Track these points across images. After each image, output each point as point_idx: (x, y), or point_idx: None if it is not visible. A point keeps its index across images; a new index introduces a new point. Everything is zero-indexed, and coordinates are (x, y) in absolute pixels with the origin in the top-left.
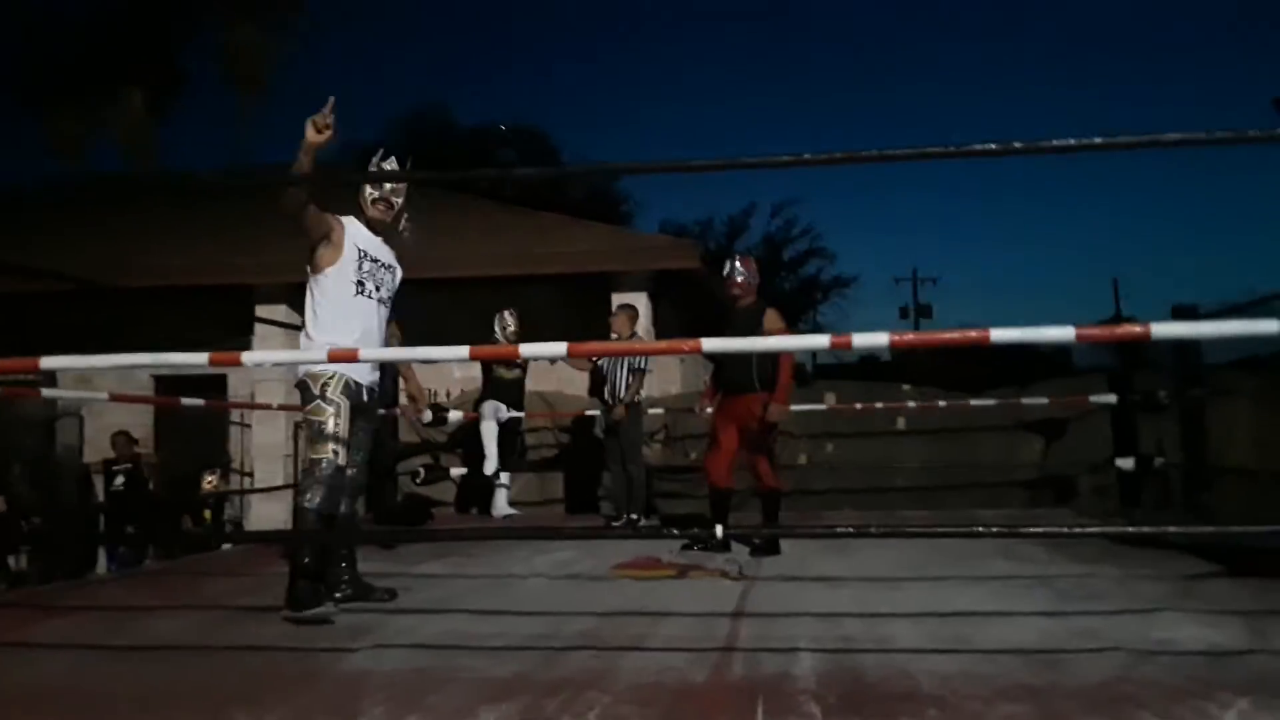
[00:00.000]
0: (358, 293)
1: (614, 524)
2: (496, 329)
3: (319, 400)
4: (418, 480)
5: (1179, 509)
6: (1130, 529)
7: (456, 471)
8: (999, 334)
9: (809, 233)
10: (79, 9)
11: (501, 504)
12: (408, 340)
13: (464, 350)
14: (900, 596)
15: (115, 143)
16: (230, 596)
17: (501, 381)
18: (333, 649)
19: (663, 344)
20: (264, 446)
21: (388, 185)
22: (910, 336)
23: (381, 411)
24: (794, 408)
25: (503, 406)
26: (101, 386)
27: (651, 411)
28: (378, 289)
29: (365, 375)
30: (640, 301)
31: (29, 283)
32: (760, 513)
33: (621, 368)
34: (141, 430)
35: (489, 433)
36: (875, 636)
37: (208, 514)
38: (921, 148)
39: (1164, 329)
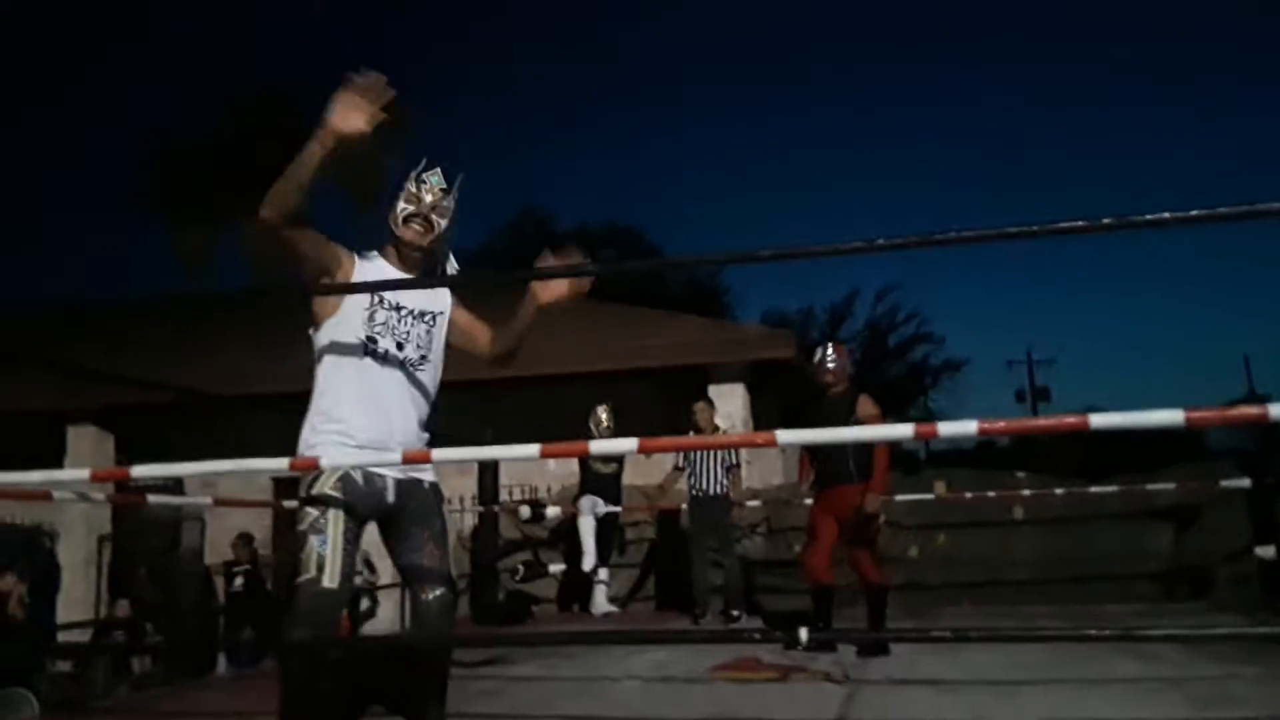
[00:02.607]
0: (367, 353)
1: (700, 620)
2: (591, 425)
3: (301, 503)
4: (516, 578)
5: None
6: (1269, 629)
7: (555, 568)
8: (1100, 420)
9: (915, 317)
10: (208, 123)
11: (601, 601)
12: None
13: (534, 449)
14: (1018, 703)
15: (238, 253)
16: None
17: (599, 476)
18: None
19: (737, 437)
20: (376, 544)
21: (428, 197)
22: (1001, 424)
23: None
24: (902, 497)
25: (600, 501)
26: (225, 491)
27: (751, 504)
28: (401, 346)
29: (377, 462)
30: (737, 393)
31: (155, 394)
32: (865, 611)
33: (710, 460)
34: (261, 531)
35: (586, 528)
36: None
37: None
38: (1022, 227)
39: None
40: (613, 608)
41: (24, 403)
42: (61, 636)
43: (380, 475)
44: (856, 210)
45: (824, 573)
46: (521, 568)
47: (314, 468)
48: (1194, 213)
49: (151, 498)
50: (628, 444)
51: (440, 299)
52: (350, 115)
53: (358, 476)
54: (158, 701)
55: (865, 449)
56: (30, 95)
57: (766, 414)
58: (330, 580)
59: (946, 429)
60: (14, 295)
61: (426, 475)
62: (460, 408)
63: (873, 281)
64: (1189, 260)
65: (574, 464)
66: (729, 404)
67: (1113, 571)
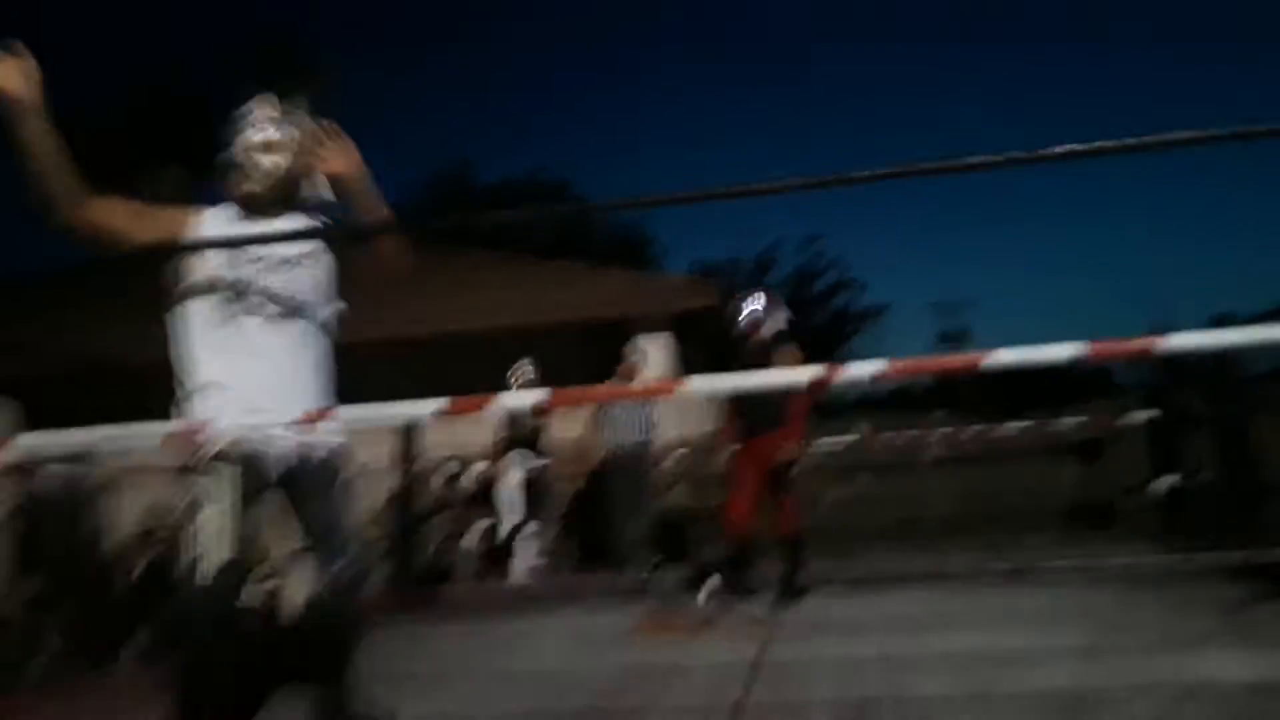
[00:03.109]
0: (237, 314)
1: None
2: (510, 379)
3: (193, 473)
4: (441, 537)
5: (1223, 531)
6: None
7: (478, 525)
8: (997, 356)
9: (838, 264)
10: (124, 94)
11: (529, 556)
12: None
13: (441, 402)
14: (927, 640)
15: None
16: None
17: (525, 431)
18: None
19: (641, 387)
20: None
21: (257, 137)
22: (901, 365)
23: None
24: (825, 440)
25: (530, 454)
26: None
27: (678, 452)
28: (274, 299)
29: (253, 422)
30: (662, 343)
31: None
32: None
33: (630, 412)
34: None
35: (514, 484)
36: (897, 690)
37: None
38: (923, 162)
39: (1179, 340)
40: (540, 561)
41: None
42: None
43: (270, 439)
44: (778, 160)
45: (745, 523)
46: (446, 528)
47: (196, 435)
48: (1097, 144)
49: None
50: (541, 394)
51: (287, 245)
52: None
53: (252, 440)
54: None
55: (787, 399)
56: None
57: (693, 364)
58: (220, 554)
59: (850, 372)
60: None
61: (325, 438)
62: (379, 368)
63: (797, 230)
64: (1114, 193)
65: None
66: (655, 355)
67: (1022, 507)
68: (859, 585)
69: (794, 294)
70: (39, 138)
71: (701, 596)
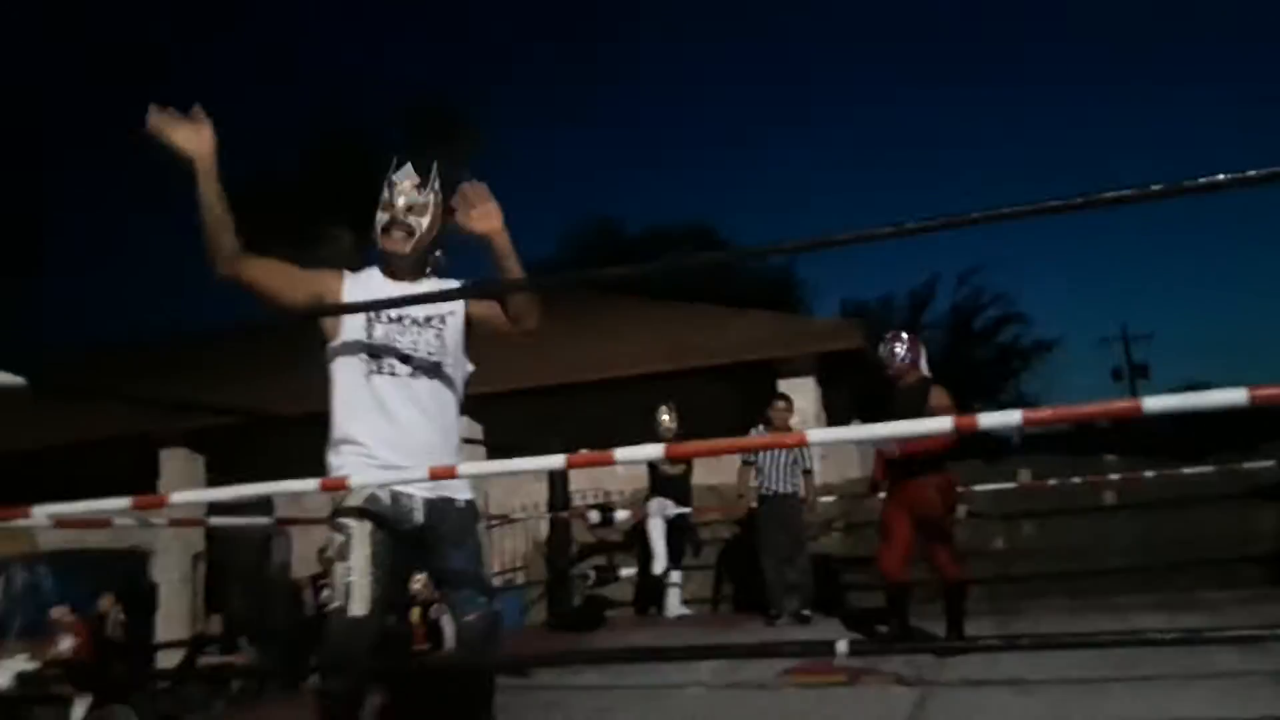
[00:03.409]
0: (373, 370)
1: (776, 621)
2: (657, 425)
3: (329, 527)
4: (589, 583)
5: None
6: None
7: (627, 572)
8: (1154, 403)
9: (1001, 298)
10: (289, 158)
11: (674, 604)
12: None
13: (559, 460)
14: (1103, 703)
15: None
16: None
17: (666, 478)
18: None
19: (768, 438)
20: None
21: (400, 200)
22: (1046, 413)
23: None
24: (983, 487)
25: (669, 503)
26: (311, 508)
27: (826, 499)
28: (408, 359)
29: (399, 481)
30: (808, 387)
31: (235, 417)
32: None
33: (779, 458)
34: None
35: (656, 531)
36: None
37: (416, 615)
38: (1079, 197)
39: None
40: (686, 610)
41: (118, 428)
42: (160, 654)
43: (408, 494)
44: (926, 199)
45: (899, 570)
46: (593, 573)
47: (341, 488)
48: (1251, 173)
49: (222, 520)
50: (654, 450)
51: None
52: (181, 137)
53: (384, 496)
54: (249, 714)
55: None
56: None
57: (839, 407)
58: (358, 608)
59: (989, 420)
60: (110, 329)
61: (460, 493)
62: (529, 415)
63: (954, 265)
64: None
65: (644, 466)
66: (800, 398)
67: (1214, 556)
68: (1025, 641)
69: (953, 331)
70: (212, 198)
71: (842, 646)
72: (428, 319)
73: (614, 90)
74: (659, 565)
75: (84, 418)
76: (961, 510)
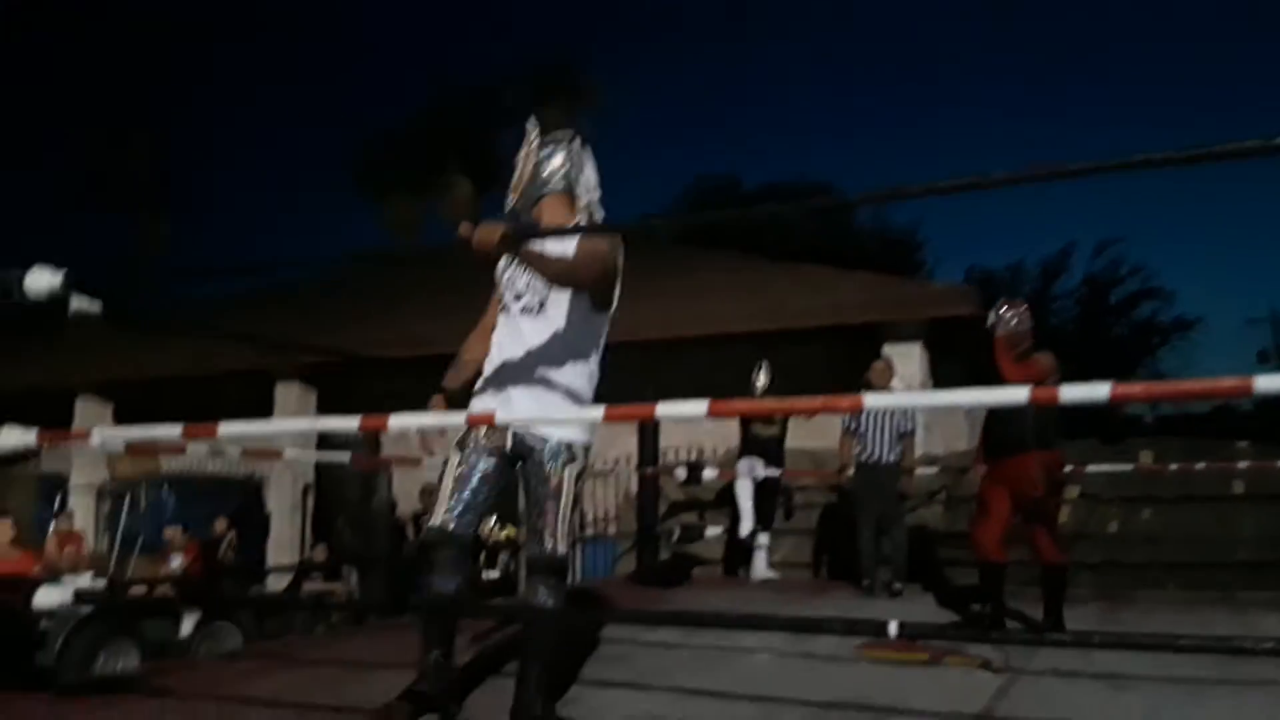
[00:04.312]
0: (501, 308)
1: (868, 592)
2: (751, 385)
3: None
4: (673, 540)
5: None
6: None
7: (712, 531)
8: (1267, 382)
9: (1139, 271)
10: (416, 103)
11: (760, 567)
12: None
13: (598, 411)
14: (1204, 708)
15: (446, 226)
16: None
17: (758, 438)
18: None
19: (817, 401)
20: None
21: (521, 152)
22: (1138, 389)
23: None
24: (1097, 468)
25: (759, 464)
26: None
27: (926, 470)
28: (519, 297)
29: (490, 406)
30: (914, 353)
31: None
32: (1041, 592)
33: (881, 425)
34: None
35: (744, 492)
36: None
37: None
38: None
39: None
40: (773, 574)
41: (241, 363)
42: (268, 578)
43: (502, 426)
44: (1058, 152)
45: (995, 549)
46: (678, 530)
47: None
48: None
49: (306, 453)
50: (697, 406)
51: (549, 245)
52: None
53: (479, 427)
54: (347, 640)
55: (1046, 415)
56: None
57: (950, 376)
58: (435, 518)
59: (1071, 393)
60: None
61: (552, 431)
62: (628, 367)
63: (1092, 235)
64: None
65: (737, 425)
66: (906, 365)
67: None
68: (1128, 635)
69: (1087, 303)
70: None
71: (893, 628)
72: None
73: (735, 47)
74: (745, 527)
75: (211, 352)
76: (1073, 491)
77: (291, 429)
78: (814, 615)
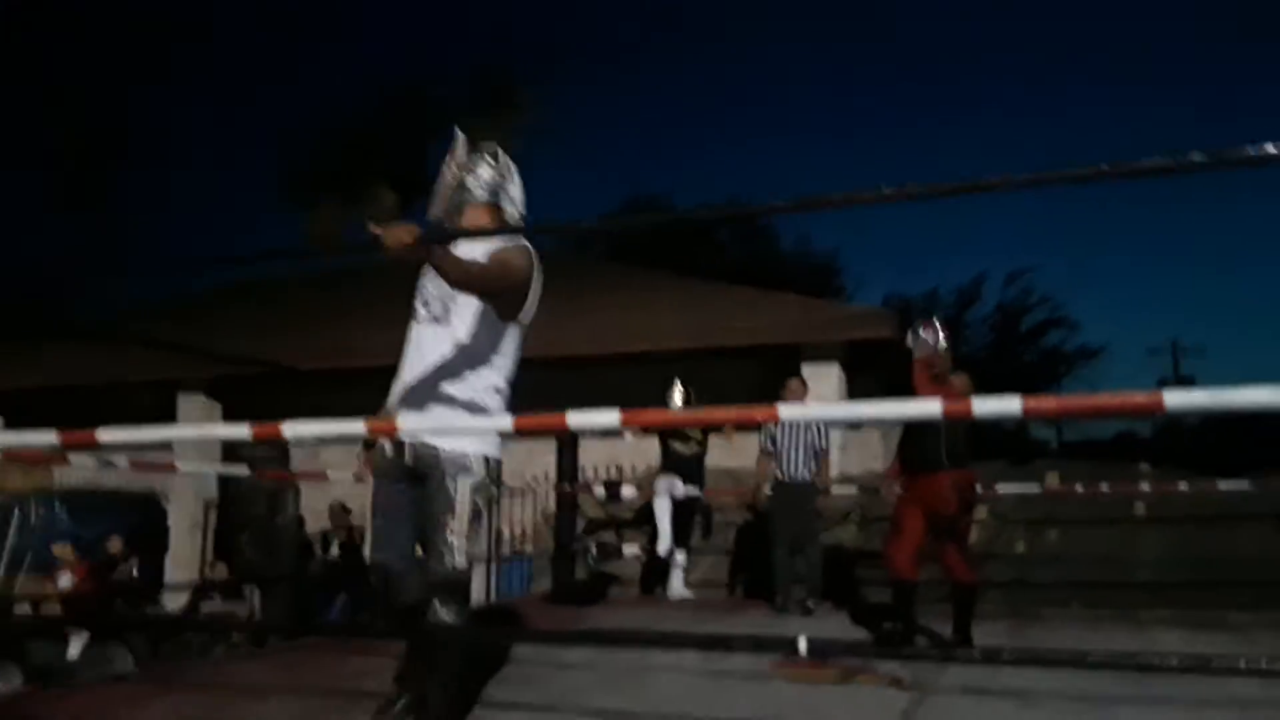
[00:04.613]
0: (411, 323)
1: (780, 611)
2: (668, 402)
3: None
4: (590, 558)
5: None
6: None
7: (630, 549)
8: (1177, 398)
9: (1048, 301)
10: (339, 115)
11: (676, 585)
12: None
13: (506, 420)
14: None
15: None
16: (359, 678)
17: (678, 456)
18: None
19: (731, 412)
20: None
21: (444, 167)
22: (1051, 403)
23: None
24: (1007, 488)
25: (678, 482)
26: (327, 460)
27: (842, 490)
28: (426, 304)
29: (394, 415)
30: (832, 374)
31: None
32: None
33: (797, 444)
34: (358, 501)
35: (662, 510)
36: None
37: None
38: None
39: None
40: (689, 593)
41: (144, 374)
42: (166, 598)
43: (400, 441)
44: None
45: (908, 567)
46: (594, 548)
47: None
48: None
49: (215, 467)
50: (609, 416)
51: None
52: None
53: (385, 443)
54: (243, 664)
55: (960, 434)
56: (180, 86)
57: (866, 396)
58: (371, 551)
59: (985, 406)
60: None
61: (447, 443)
62: (546, 384)
63: (1004, 265)
64: None
65: (657, 444)
66: (823, 385)
67: (1247, 577)
68: (1036, 651)
69: (998, 331)
70: (447, 269)
71: (803, 645)
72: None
73: (676, 68)
74: (663, 545)
75: (113, 360)
76: (981, 511)
77: (181, 437)
78: (725, 633)
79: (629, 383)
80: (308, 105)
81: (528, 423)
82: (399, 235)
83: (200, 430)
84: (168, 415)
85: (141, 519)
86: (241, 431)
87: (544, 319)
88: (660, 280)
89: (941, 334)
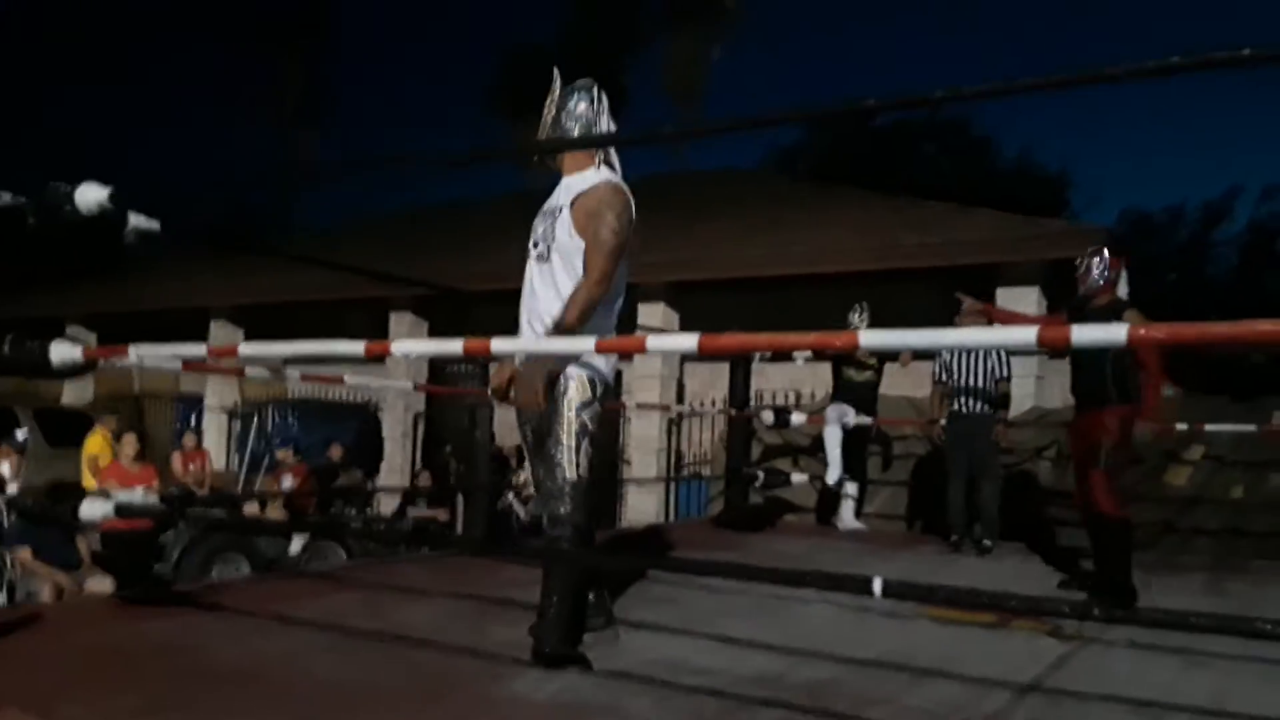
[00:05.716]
0: (527, 258)
1: (958, 548)
2: (848, 326)
3: None
4: (756, 485)
5: None
6: None
7: (797, 478)
8: None
9: None
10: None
11: (847, 517)
12: None
13: (589, 341)
14: (1277, 694)
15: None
16: (506, 587)
17: (850, 384)
18: (519, 662)
19: (812, 337)
20: (641, 439)
21: (548, 113)
22: (1162, 331)
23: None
24: (1221, 427)
25: (850, 411)
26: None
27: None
28: (536, 244)
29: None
30: (1030, 296)
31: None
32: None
33: (975, 373)
34: None
35: (832, 439)
36: None
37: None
38: None
39: None
40: (860, 525)
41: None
42: (380, 501)
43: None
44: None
45: (1110, 505)
46: (761, 475)
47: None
48: None
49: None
50: (688, 340)
51: (561, 197)
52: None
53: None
54: (439, 563)
55: (1127, 367)
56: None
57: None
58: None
59: (1082, 335)
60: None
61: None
62: (725, 307)
63: (1260, 176)
64: None
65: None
66: (1021, 309)
67: None
68: (1222, 598)
69: (1248, 252)
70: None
71: (877, 585)
72: (548, 211)
73: None
74: (833, 475)
75: (330, 280)
76: (1196, 451)
77: (410, 350)
78: (863, 573)
79: (809, 305)
80: (516, 19)
81: (607, 345)
82: (531, 398)
83: (420, 345)
84: (381, 331)
85: (361, 428)
86: (454, 347)
87: (718, 240)
88: (841, 195)
89: (1105, 263)
